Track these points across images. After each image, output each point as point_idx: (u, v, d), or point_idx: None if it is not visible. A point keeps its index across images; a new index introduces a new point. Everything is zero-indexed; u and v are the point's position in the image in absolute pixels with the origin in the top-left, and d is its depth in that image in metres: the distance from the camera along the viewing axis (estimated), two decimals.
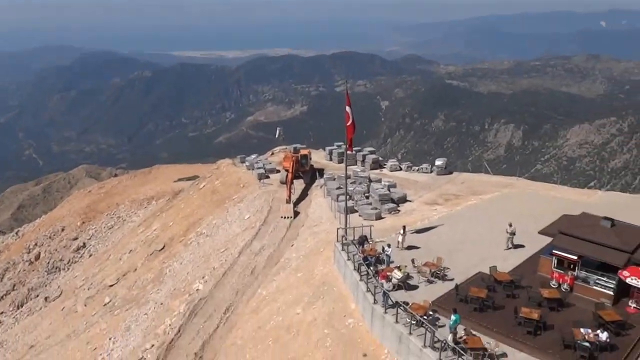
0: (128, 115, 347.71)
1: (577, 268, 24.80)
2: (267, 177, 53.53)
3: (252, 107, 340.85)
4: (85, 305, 48.98)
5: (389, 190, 42.93)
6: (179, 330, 33.92)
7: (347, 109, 30.29)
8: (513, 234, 29.96)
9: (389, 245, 28.83)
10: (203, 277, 39.46)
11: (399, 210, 40.58)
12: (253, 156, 60.66)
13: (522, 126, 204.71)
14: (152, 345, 33.68)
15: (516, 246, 30.14)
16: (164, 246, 50.95)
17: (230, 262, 39.72)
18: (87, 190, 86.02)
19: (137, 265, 50.40)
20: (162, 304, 39.41)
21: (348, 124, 30.71)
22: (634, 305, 23.43)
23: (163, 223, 56.78)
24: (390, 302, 23.64)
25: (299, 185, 50.01)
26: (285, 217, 43.87)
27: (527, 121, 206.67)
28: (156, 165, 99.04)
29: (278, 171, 53.55)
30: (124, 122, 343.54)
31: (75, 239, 67.45)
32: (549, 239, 26.97)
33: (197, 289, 38.03)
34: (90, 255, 63.77)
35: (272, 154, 63.92)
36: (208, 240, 46.53)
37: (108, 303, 45.71)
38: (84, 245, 66.05)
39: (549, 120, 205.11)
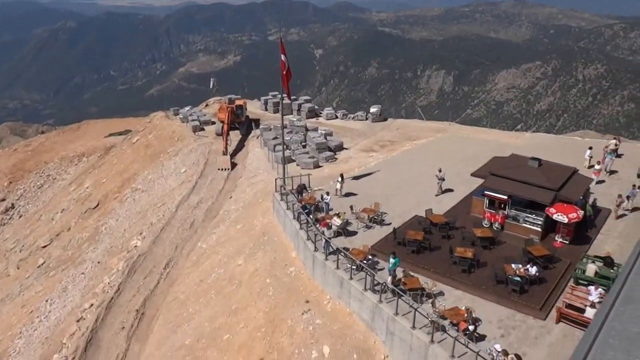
0: (53, 69, 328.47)
1: (507, 207, 25.88)
2: (202, 129, 52.41)
3: (184, 57, 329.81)
4: (17, 268, 47.30)
5: (326, 139, 43.00)
6: (119, 288, 33.36)
7: (282, 57, 29.74)
8: (442, 179, 30.58)
9: (327, 193, 29.08)
10: (141, 233, 38.71)
11: (336, 158, 40.83)
12: (187, 108, 59.03)
13: (452, 72, 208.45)
14: (92, 305, 33.03)
15: (449, 189, 31.07)
16: (98, 204, 49.46)
17: (168, 216, 39.07)
18: (13, 149, 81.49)
19: (70, 225, 48.82)
20: (99, 262, 38.54)
21: (284, 72, 30.22)
22: (560, 239, 24.81)
23: (96, 180, 54.92)
24: (330, 249, 24.02)
25: (235, 136, 49.27)
26: (222, 169, 43.32)
27: (458, 67, 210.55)
28: (85, 121, 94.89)
29: (213, 123, 52.48)
30: (48, 76, 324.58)
31: (3, 200, 64.39)
32: (481, 181, 27.91)
33: (136, 246, 37.32)
34: (20, 217, 61.19)
35: (207, 105, 62.43)
36: (144, 196, 45.48)
37: (42, 264, 44.30)
38: (13, 207, 63.21)
39: (478, 65, 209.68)
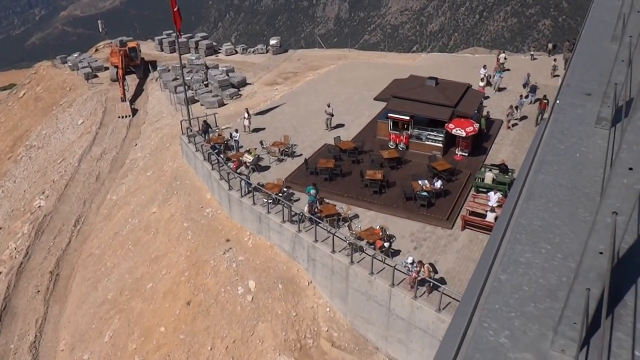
0: None
1: (410, 127, 26.97)
2: (96, 76, 49.51)
3: (64, 0, 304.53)
4: None
5: (228, 75, 42.12)
6: (27, 252, 32.02)
7: None
8: (332, 115, 30.24)
9: (236, 131, 28.85)
10: (43, 192, 36.89)
11: (240, 95, 40.29)
12: (75, 55, 55.19)
13: None
14: (0, 273, 31.60)
15: (358, 114, 31.74)
16: None
17: (70, 172, 37.40)
18: None
19: None
20: (1, 228, 36.55)
21: (175, 9, 28.99)
22: (460, 152, 26.35)
23: None
24: (249, 189, 24.15)
25: (132, 81, 47.02)
26: (122, 117, 41.61)
27: None
28: None
29: (107, 68, 49.60)
30: None
31: None
32: (384, 104, 28.72)
33: (39, 206, 35.62)
34: None
35: (97, 50, 58.66)
36: (41, 153, 43.00)
37: None
38: None
39: None
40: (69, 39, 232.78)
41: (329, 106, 30.39)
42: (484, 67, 34.78)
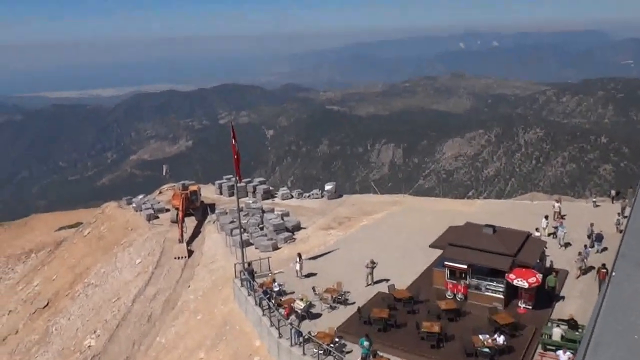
0: None
1: (468, 277, 25.99)
2: (157, 217, 51.42)
3: (135, 145, 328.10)
4: None
5: (283, 219, 42.82)
6: None
7: (233, 141, 30.01)
8: (373, 267, 29.00)
9: (274, 281, 28.30)
10: (95, 332, 36.86)
11: (294, 239, 40.52)
12: (140, 197, 58.09)
13: (401, 144, 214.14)
14: None
15: (413, 261, 31.02)
16: (48, 302, 47.10)
17: (123, 311, 37.48)
18: None
19: (18, 327, 46.10)
20: None
21: (235, 156, 30.40)
22: (523, 305, 24.91)
23: (45, 277, 52.56)
24: (300, 339, 23.22)
25: (190, 223, 48.46)
26: (179, 258, 42.24)
27: (405, 139, 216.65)
28: (33, 215, 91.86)
29: (168, 210, 51.65)
30: None
31: None
32: (440, 252, 28.07)
33: (89, 345, 35.44)
34: None
35: (160, 192, 61.66)
36: (97, 291, 43.66)
37: None
38: None
39: (424, 137, 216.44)
40: (136, 180, 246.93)
41: (372, 262, 29.07)
42: (546, 217, 33.89)
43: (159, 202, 54.94)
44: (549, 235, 33.04)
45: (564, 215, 36.38)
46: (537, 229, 32.15)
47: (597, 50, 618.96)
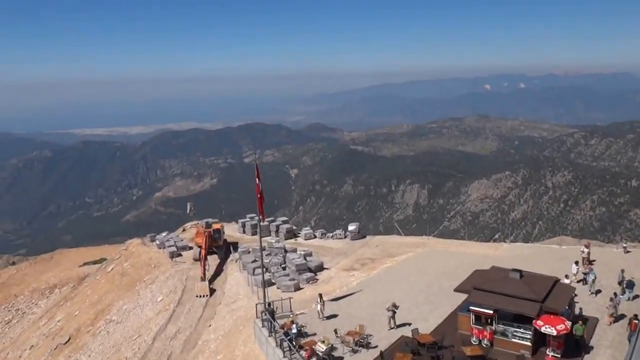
0: (27, 198, 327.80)
1: (494, 322, 25.30)
2: (180, 254, 51.61)
3: (160, 182, 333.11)
4: None
5: (306, 260, 42.55)
6: None
7: (257, 181, 30.15)
8: (394, 311, 28.22)
9: (292, 322, 27.68)
10: None
11: (317, 279, 40.14)
12: (164, 234, 58.52)
13: (426, 185, 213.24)
14: None
15: (437, 305, 30.40)
16: (69, 338, 47.11)
17: (144, 349, 37.23)
18: None
19: None
20: None
21: (258, 195, 30.48)
22: (552, 353, 24.06)
23: (68, 312, 52.78)
24: None
25: (213, 261, 48.48)
26: (200, 296, 42.09)
27: (431, 180, 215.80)
28: (58, 250, 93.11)
29: (191, 248, 51.83)
30: (22, 205, 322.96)
31: None
32: (465, 296, 27.46)
33: None
34: None
35: (184, 230, 62.05)
36: (119, 328, 43.58)
37: None
38: None
39: (450, 178, 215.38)
40: (161, 217, 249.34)
41: (395, 306, 28.28)
42: (576, 263, 32.98)
43: (182, 240, 55.25)
44: (578, 282, 32.13)
45: (593, 261, 35.48)
46: (566, 276, 31.29)
47: (627, 93, 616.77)
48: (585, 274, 32.44)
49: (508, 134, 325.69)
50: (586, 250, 36.04)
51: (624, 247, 39.45)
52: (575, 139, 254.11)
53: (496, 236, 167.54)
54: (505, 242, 59.11)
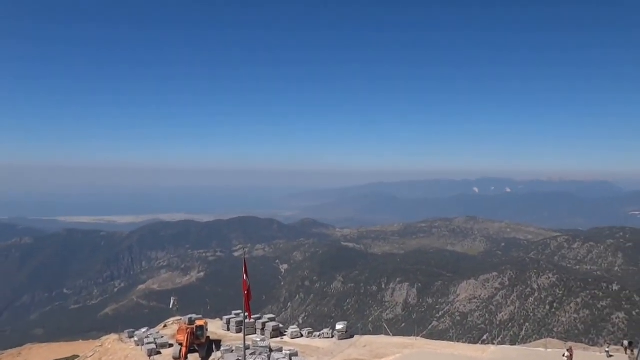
0: (0, 287, 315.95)
1: None
2: (159, 352, 49.34)
3: (145, 274, 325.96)
4: None
5: None
6: None
7: (244, 277, 29.64)
8: None
9: None
10: None
11: None
12: (143, 330, 56.25)
13: (415, 284, 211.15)
14: None
15: None
16: None
17: None
18: None
19: None
20: None
21: (245, 292, 29.85)
22: None
23: None
24: None
25: None
26: None
27: (420, 279, 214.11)
28: (27, 345, 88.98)
29: (171, 345, 49.63)
30: None
31: None
32: None
33: None
34: None
35: (165, 326, 59.85)
36: None
37: None
38: None
39: (439, 277, 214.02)
40: (142, 311, 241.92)
41: None
42: None
43: (162, 337, 53.06)
44: None
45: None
46: None
47: (606, 201, 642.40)
48: None
49: (495, 235, 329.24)
50: (568, 354, 36.22)
51: (607, 352, 39.81)
52: (559, 242, 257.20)
53: (484, 337, 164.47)
54: (493, 343, 57.67)
